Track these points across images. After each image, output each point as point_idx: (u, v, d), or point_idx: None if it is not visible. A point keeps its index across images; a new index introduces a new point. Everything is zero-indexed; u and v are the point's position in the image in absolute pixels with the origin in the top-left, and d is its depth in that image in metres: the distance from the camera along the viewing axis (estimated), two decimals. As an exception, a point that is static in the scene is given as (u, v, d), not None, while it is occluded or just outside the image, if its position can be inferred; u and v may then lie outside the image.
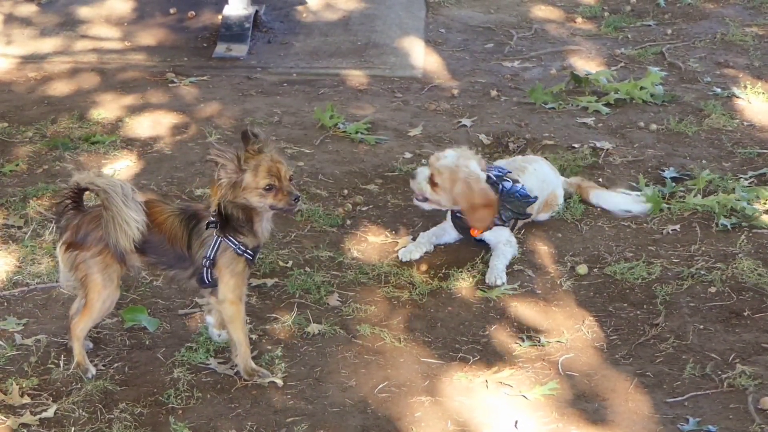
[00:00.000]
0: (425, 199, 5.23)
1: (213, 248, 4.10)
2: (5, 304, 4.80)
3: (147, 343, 4.52)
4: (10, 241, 5.27)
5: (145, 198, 4.23)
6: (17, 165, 6.10)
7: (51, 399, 4.13)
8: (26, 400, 4.11)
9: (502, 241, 5.19)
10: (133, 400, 4.11)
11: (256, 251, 4.21)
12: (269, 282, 4.98)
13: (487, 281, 4.96)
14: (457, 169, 5.10)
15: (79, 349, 4.24)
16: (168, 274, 4.33)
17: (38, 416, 4.01)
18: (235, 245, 4.09)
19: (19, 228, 5.39)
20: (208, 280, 4.19)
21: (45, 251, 5.15)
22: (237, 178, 4.00)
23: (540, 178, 5.46)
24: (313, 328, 4.59)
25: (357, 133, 6.59)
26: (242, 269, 4.17)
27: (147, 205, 4.09)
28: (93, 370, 4.24)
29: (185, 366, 4.32)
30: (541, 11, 9.13)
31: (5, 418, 4.00)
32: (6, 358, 4.38)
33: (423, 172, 5.22)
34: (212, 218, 4.09)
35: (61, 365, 4.32)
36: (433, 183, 5.16)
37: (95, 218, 4.07)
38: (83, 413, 4.03)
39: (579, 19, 8.93)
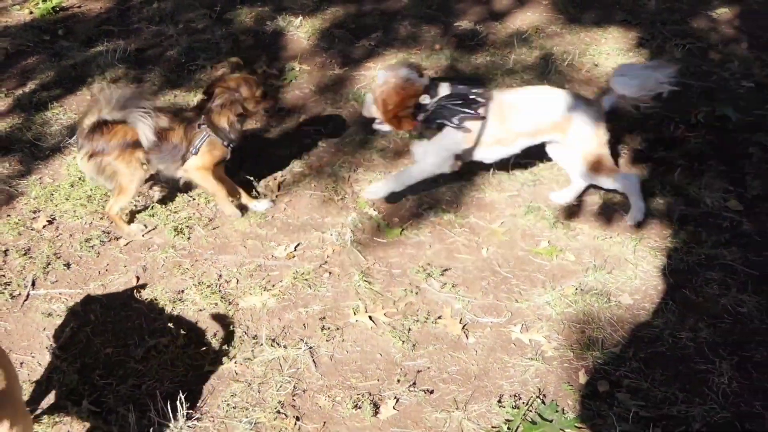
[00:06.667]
0: (381, 122, 5.18)
1: None
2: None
3: (730, 127, 5.88)
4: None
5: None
6: None
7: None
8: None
9: (421, 158, 5.10)
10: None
11: None
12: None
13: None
14: (383, 83, 5.03)
15: (120, 223, 5.23)
16: None
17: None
18: None
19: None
20: None
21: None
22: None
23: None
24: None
25: None
26: None
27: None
28: (139, 233, 5.23)
29: (758, 146, 5.65)
30: None
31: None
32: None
33: (369, 97, 5.17)
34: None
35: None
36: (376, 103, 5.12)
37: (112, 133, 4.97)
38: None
39: None
